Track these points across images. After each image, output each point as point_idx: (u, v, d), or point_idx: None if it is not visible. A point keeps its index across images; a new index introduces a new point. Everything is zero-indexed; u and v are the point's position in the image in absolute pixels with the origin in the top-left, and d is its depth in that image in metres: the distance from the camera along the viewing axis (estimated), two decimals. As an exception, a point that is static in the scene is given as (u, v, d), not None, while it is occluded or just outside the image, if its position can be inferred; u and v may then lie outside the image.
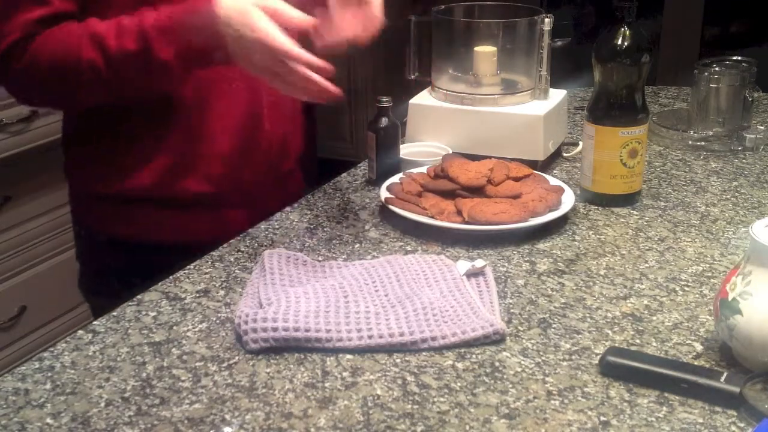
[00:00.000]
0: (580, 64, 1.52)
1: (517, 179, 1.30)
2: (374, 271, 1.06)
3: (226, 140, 1.25)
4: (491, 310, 0.99)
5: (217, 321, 0.99)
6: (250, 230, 1.24)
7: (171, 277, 1.09)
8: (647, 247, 1.18)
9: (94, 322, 0.99)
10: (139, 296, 1.05)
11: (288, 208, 1.32)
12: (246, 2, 1.07)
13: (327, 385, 0.87)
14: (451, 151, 1.42)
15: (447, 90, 1.48)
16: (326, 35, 1.14)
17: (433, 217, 1.21)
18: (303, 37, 1.11)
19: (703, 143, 1.57)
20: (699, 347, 0.93)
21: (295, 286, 1.03)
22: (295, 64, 1.08)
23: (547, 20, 1.42)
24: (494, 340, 0.94)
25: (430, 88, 1.53)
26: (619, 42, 1.26)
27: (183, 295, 1.05)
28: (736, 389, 0.82)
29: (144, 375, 0.88)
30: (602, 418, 0.81)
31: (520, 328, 0.97)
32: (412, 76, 1.56)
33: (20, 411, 0.83)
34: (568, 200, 1.26)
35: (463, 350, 0.92)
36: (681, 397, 0.84)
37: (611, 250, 1.17)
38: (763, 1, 3.71)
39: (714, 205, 1.32)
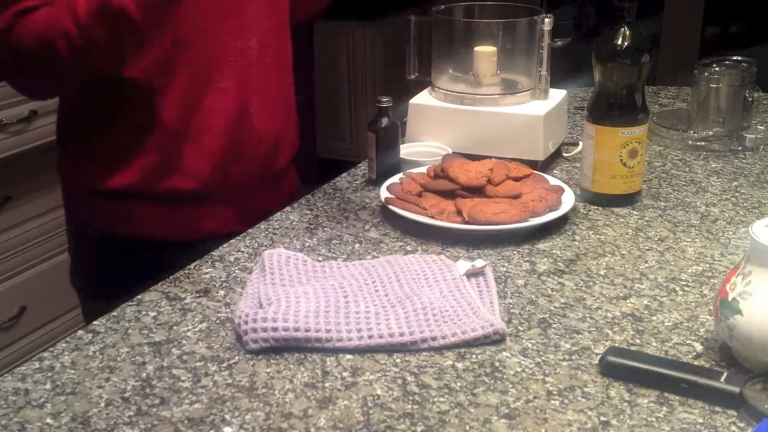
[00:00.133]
0: (580, 64, 1.52)
1: (517, 179, 1.30)
2: (374, 271, 1.06)
3: (214, 139, 1.25)
4: (491, 310, 0.99)
5: (217, 321, 0.99)
6: (250, 230, 1.24)
7: (171, 277, 1.09)
8: (647, 247, 1.18)
9: (94, 322, 0.99)
10: (139, 296, 1.05)
11: (288, 208, 1.32)
12: None
13: (327, 385, 0.87)
14: (451, 151, 1.42)
15: (447, 90, 1.48)
16: None
17: (433, 217, 1.21)
18: None
19: (703, 143, 1.57)
20: (699, 347, 0.93)
21: (295, 286, 1.03)
22: None
23: (547, 20, 1.42)
24: (494, 340, 0.94)
25: (430, 88, 1.53)
26: (619, 42, 1.26)
27: (183, 295, 1.05)
28: (736, 389, 0.82)
29: (144, 375, 0.88)
30: (602, 418, 0.81)
31: (520, 328, 0.97)
32: (412, 76, 1.56)
33: (20, 411, 0.83)
34: (568, 200, 1.26)
35: (463, 350, 0.92)
36: (681, 397, 0.84)
37: (611, 250, 1.17)
38: (763, 1, 3.71)
39: (714, 205, 1.32)
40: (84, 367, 0.90)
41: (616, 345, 0.93)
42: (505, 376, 0.88)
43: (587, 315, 1.00)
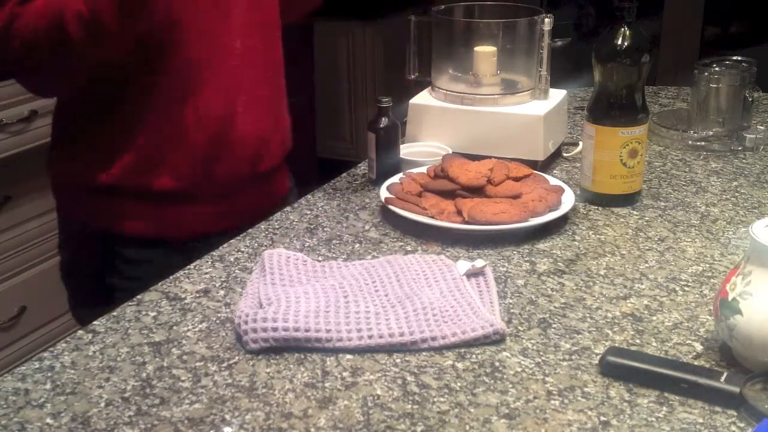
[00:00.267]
0: (580, 64, 1.52)
1: (517, 179, 1.30)
2: (374, 271, 1.06)
3: (198, 138, 1.26)
4: (491, 310, 0.99)
5: (217, 321, 0.99)
6: (250, 230, 1.24)
7: (171, 277, 1.09)
8: (647, 247, 1.18)
9: (94, 322, 0.99)
10: (139, 296, 1.05)
11: (288, 208, 1.32)
12: None
13: (327, 385, 0.87)
14: (451, 151, 1.42)
15: (447, 90, 1.48)
16: None
17: (433, 217, 1.21)
18: None
19: (703, 143, 1.57)
20: (699, 347, 0.93)
21: (295, 286, 1.03)
22: None
23: (547, 20, 1.42)
24: (494, 340, 0.94)
25: (430, 88, 1.53)
26: (619, 42, 1.26)
27: (183, 295, 1.05)
28: (736, 389, 0.82)
29: (144, 375, 0.88)
30: (602, 418, 0.81)
31: (520, 328, 0.97)
32: (412, 76, 1.56)
33: (20, 411, 0.83)
34: (568, 200, 1.26)
35: (463, 350, 0.92)
36: (681, 397, 0.84)
37: (611, 250, 1.17)
38: (763, 1, 3.71)
39: (714, 205, 1.32)
40: (84, 367, 0.90)
41: (616, 345, 0.93)
42: (505, 376, 0.88)
43: (587, 315, 1.00)
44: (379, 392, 0.85)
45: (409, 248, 1.18)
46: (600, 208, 1.30)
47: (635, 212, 1.29)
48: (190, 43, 1.22)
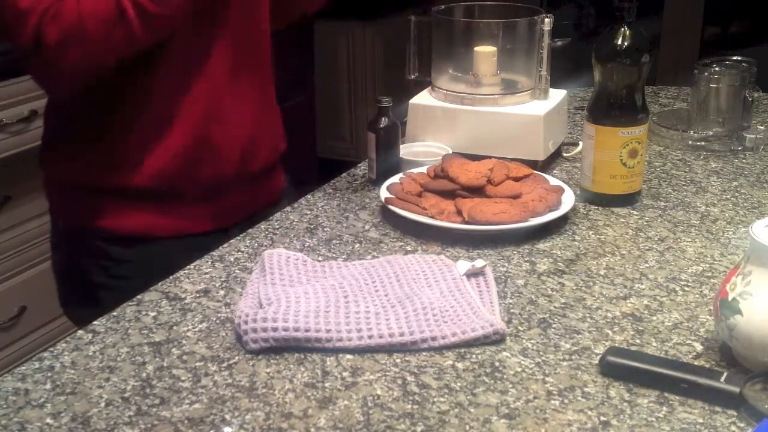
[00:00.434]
0: (580, 64, 1.52)
1: (517, 179, 1.30)
2: (374, 271, 1.06)
3: (181, 139, 1.26)
4: (491, 310, 0.99)
5: (217, 321, 0.99)
6: (250, 230, 1.24)
7: (171, 277, 1.09)
8: (647, 247, 1.18)
9: (94, 322, 0.99)
10: (139, 296, 1.05)
11: (288, 208, 1.32)
12: None
13: (327, 385, 0.87)
14: (451, 151, 1.42)
15: (447, 90, 1.48)
16: None
17: (433, 217, 1.21)
18: None
19: (703, 143, 1.57)
20: (699, 347, 0.93)
21: (295, 286, 1.03)
22: None
23: (547, 20, 1.42)
24: (494, 340, 0.94)
25: (430, 88, 1.53)
26: (619, 42, 1.26)
27: (183, 295, 1.05)
28: (736, 389, 0.82)
29: (144, 375, 0.88)
30: (602, 418, 0.81)
31: (520, 328, 0.97)
32: (412, 76, 1.56)
33: (20, 411, 0.83)
34: (568, 200, 1.26)
35: (463, 350, 0.92)
36: (681, 397, 0.84)
37: (611, 250, 1.17)
38: (763, 1, 3.71)
39: (714, 205, 1.32)
40: (84, 367, 0.90)
41: (616, 345, 0.93)
42: (505, 376, 0.88)
43: (587, 315, 1.00)
44: (379, 392, 0.85)
45: (409, 248, 1.18)
46: (600, 208, 1.30)
47: (635, 212, 1.29)
48: (177, 43, 1.22)
